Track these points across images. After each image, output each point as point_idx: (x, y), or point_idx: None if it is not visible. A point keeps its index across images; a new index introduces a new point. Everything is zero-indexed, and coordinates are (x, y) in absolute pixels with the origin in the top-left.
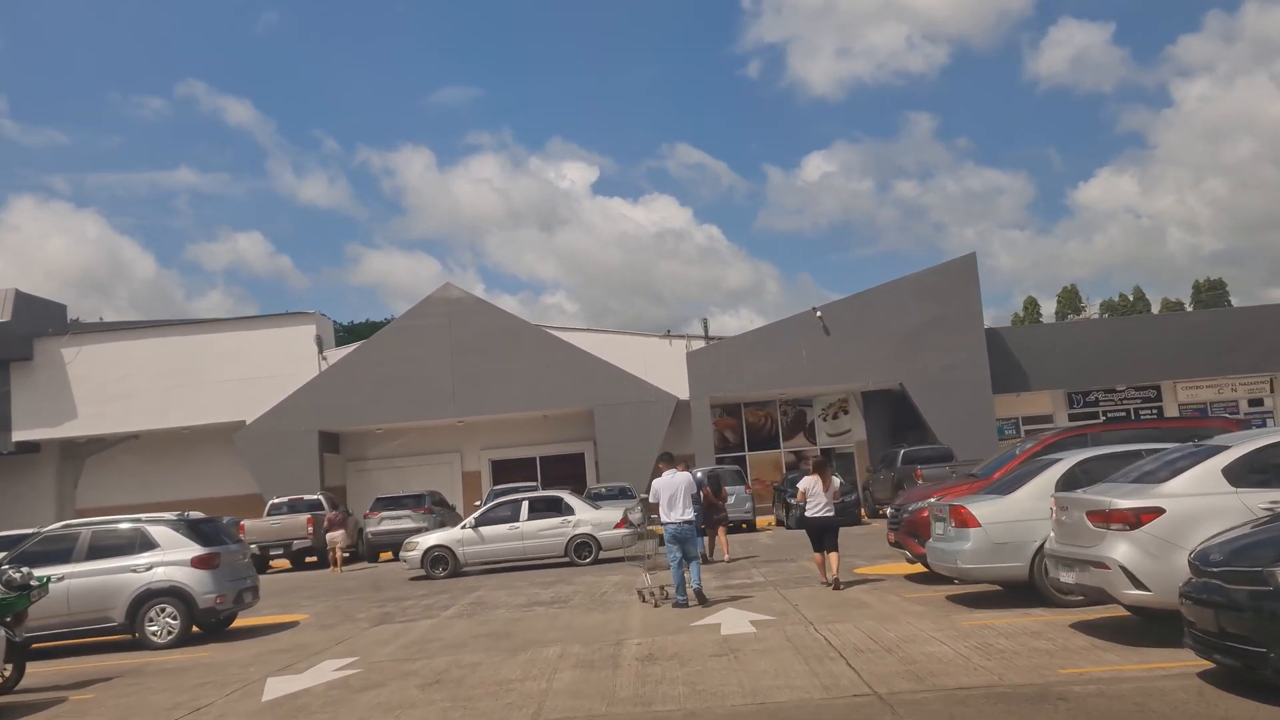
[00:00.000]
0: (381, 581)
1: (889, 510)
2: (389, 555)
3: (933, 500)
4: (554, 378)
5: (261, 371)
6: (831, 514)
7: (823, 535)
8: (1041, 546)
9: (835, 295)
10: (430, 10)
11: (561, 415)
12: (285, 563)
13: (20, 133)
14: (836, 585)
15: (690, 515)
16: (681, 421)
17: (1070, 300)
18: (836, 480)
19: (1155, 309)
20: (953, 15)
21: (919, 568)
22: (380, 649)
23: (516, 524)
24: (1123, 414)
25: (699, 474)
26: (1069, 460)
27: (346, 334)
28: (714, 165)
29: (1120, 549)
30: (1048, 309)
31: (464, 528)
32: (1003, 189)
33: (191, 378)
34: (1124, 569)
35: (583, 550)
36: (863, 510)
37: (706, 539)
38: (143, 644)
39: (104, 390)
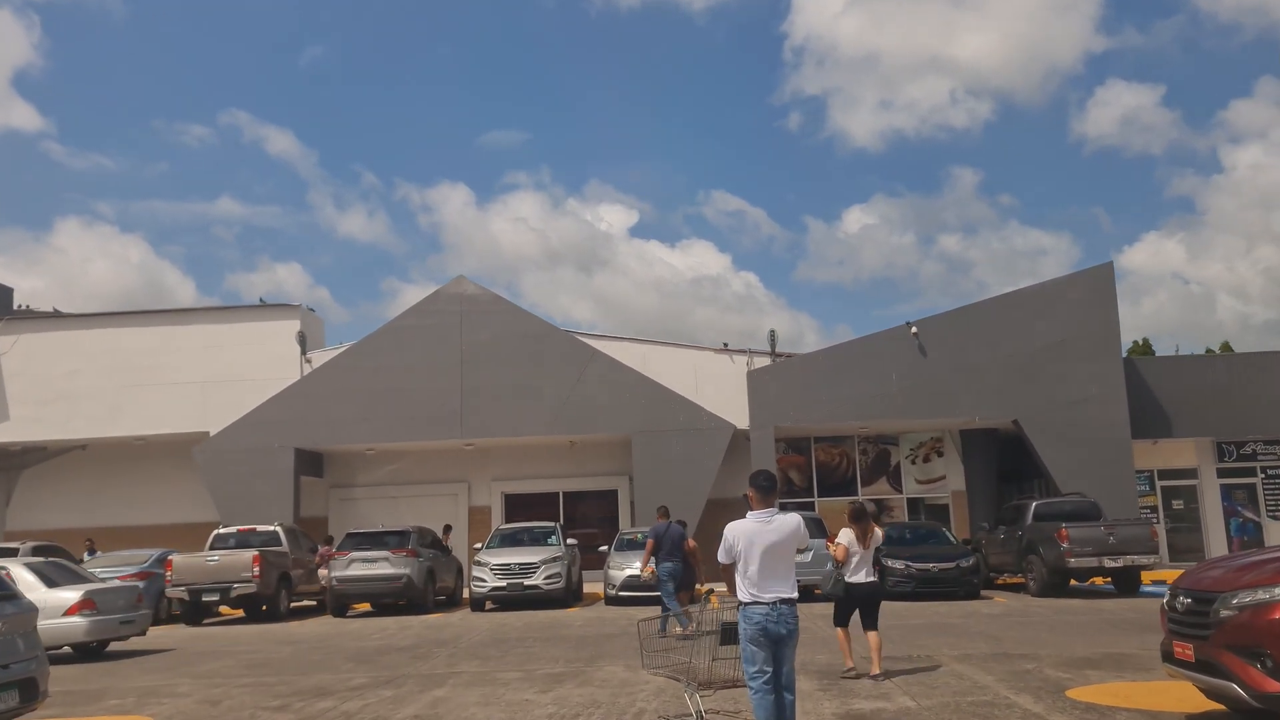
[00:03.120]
0: (328, 650)
1: (1171, 602)
2: (365, 606)
3: None
4: (585, 396)
5: (232, 374)
6: (875, 580)
7: (862, 608)
8: None
9: None
10: (470, 52)
11: (592, 443)
12: (236, 610)
13: (68, 156)
14: (878, 679)
15: (794, 593)
16: (738, 456)
17: (1144, 355)
18: (880, 532)
19: None
20: (998, 69)
21: (1209, 703)
22: None
23: None
24: None
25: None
26: None
27: None
28: (753, 213)
29: None
30: None
31: None
32: (1046, 249)
33: (149, 377)
34: None
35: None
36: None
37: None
38: None
39: (46, 389)
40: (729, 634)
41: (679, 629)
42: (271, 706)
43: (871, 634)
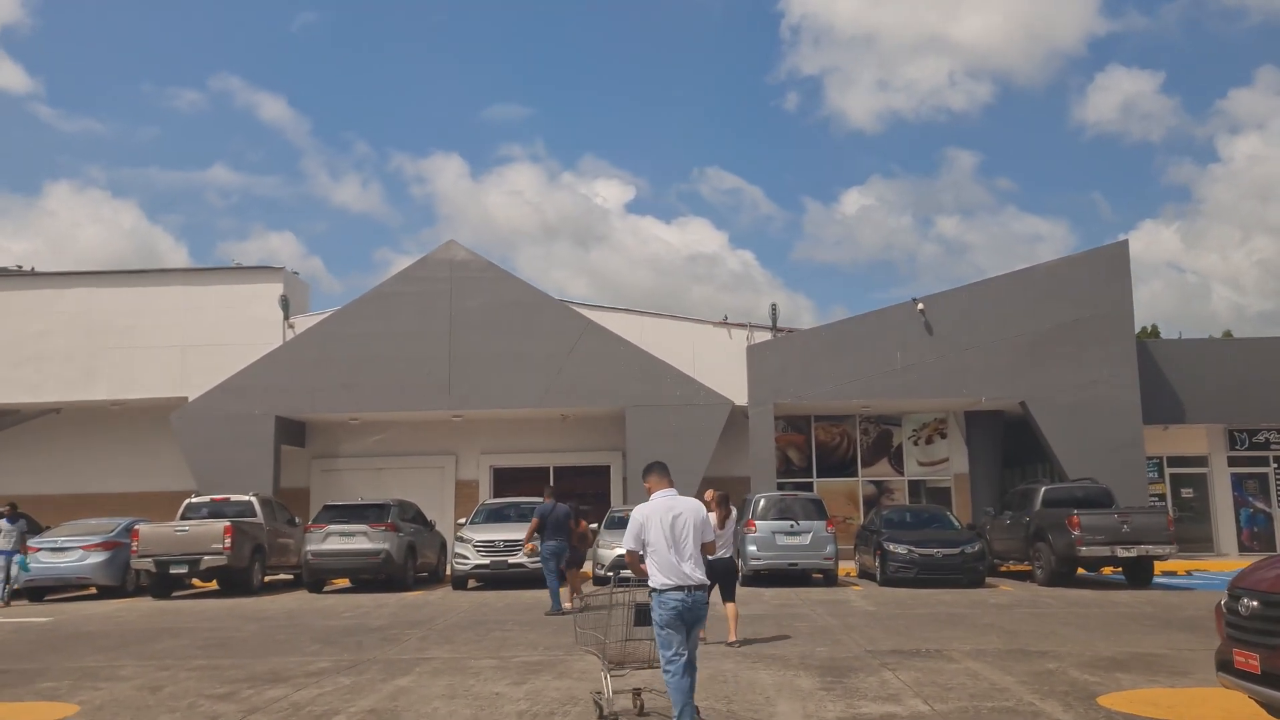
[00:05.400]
0: (295, 628)
1: (1232, 604)
2: (344, 582)
3: None
4: (578, 368)
5: (212, 337)
6: (730, 556)
7: (721, 583)
8: None
9: None
10: (463, 23)
11: (585, 416)
12: (210, 583)
13: (57, 118)
14: (734, 645)
15: (704, 577)
16: (735, 433)
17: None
18: (734, 512)
19: None
20: (998, 50)
21: (1265, 716)
22: None
23: None
24: None
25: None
26: None
27: None
28: (750, 191)
29: None
30: None
31: None
32: (1043, 235)
33: (126, 340)
34: None
35: None
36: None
37: (566, 586)
38: None
39: (17, 351)
40: (643, 615)
41: (569, 604)
42: (216, 694)
43: (729, 605)
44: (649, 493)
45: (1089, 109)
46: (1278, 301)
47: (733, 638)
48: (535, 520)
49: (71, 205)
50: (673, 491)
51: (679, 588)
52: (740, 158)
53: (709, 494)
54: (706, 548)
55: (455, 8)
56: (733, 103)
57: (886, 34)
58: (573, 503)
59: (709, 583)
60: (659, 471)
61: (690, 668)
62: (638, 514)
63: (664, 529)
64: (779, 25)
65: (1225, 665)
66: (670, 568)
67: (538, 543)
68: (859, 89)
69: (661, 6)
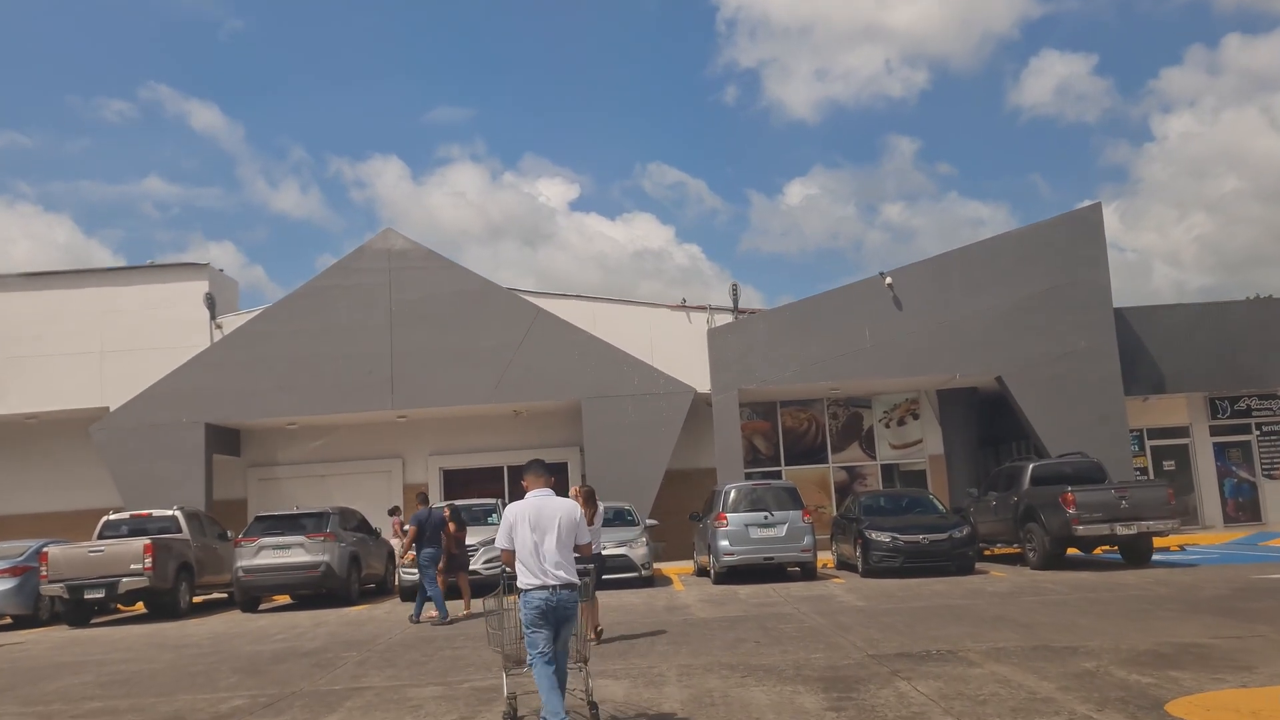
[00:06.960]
0: (218, 656)
1: None
2: (283, 599)
3: None
4: (529, 360)
5: (134, 342)
6: (599, 551)
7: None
8: None
9: None
10: (395, 26)
11: (539, 411)
12: (135, 606)
13: None
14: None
15: (572, 577)
16: (698, 423)
17: None
18: (602, 508)
19: None
20: (933, 36)
21: None
22: None
23: None
24: None
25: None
26: None
27: None
28: (694, 185)
29: None
30: None
31: None
32: (984, 219)
33: (39, 348)
34: None
35: None
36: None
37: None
38: None
39: None
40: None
41: (434, 613)
42: None
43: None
44: (526, 491)
45: (1024, 92)
46: (1215, 277)
47: (596, 623)
48: (413, 529)
49: (1, 220)
50: (548, 491)
51: (543, 587)
52: (682, 152)
53: (574, 490)
54: (581, 549)
55: (387, 11)
56: (672, 98)
57: (822, 24)
58: (443, 505)
59: (577, 582)
60: (535, 470)
61: (561, 672)
62: (508, 513)
63: (530, 528)
64: (715, 19)
65: None
66: (534, 567)
67: (415, 553)
68: (797, 79)
69: (597, 3)
